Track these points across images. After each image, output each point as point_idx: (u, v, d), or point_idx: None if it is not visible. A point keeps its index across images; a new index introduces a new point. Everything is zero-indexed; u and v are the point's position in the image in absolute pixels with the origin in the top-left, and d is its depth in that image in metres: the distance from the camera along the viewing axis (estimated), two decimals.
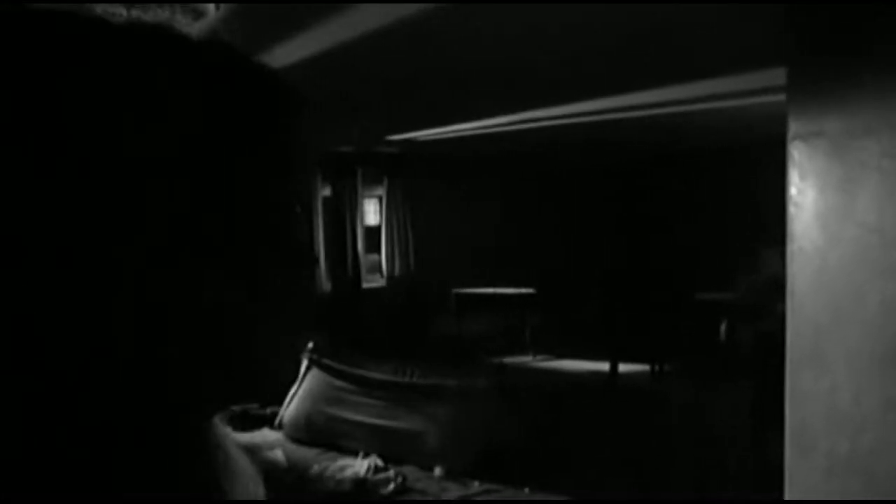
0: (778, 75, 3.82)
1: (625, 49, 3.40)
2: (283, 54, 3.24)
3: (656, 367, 5.51)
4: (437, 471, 3.47)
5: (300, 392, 4.38)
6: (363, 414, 4.00)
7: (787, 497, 2.52)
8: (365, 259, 8.21)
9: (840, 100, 2.30)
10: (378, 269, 8.37)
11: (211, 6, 2.58)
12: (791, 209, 2.56)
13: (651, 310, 6.05)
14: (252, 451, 4.18)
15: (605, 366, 5.52)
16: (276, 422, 4.46)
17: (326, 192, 7.93)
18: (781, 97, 4.78)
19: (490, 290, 7.47)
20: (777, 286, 5.58)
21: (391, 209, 8.19)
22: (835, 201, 2.32)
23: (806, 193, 2.49)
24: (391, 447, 3.78)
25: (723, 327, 5.43)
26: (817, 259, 2.42)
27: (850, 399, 2.33)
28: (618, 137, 6.84)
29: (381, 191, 8.28)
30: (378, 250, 8.35)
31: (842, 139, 2.28)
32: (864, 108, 2.37)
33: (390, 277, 8.22)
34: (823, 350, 2.40)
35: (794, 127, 2.51)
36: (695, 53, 3.41)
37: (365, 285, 8.12)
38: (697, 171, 7.80)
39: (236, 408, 5.00)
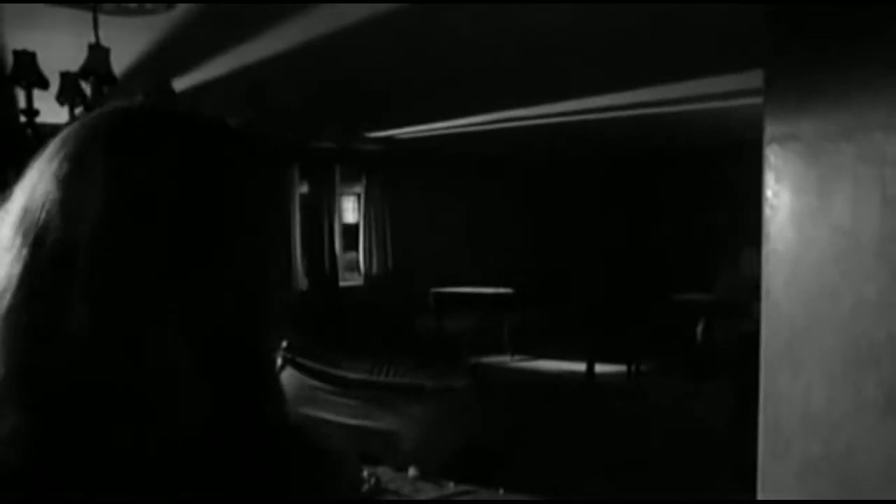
0: (757, 77, 3.86)
1: (603, 50, 3.40)
2: (259, 47, 3.18)
3: (633, 367, 5.54)
4: (412, 471, 3.43)
5: None
6: (339, 414, 3.95)
7: (759, 497, 2.53)
8: (342, 257, 8.14)
9: (816, 103, 2.32)
10: (356, 268, 8.31)
11: None
12: (766, 211, 2.57)
13: (628, 310, 6.09)
14: None
15: (582, 366, 5.54)
16: None
17: (304, 189, 7.84)
18: (759, 100, 4.82)
19: (468, 290, 7.45)
20: (754, 287, 5.64)
21: (369, 207, 8.13)
22: (809, 204, 2.34)
23: (781, 196, 2.50)
24: (366, 448, 3.73)
25: (699, 327, 5.47)
26: (792, 261, 2.43)
27: (824, 400, 2.35)
28: (597, 138, 6.86)
29: (359, 188, 8.21)
30: (356, 248, 8.28)
31: (817, 142, 2.30)
32: (840, 112, 2.38)
33: (368, 276, 8.15)
34: (798, 351, 2.41)
35: (770, 129, 2.52)
36: (673, 55, 3.42)
37: (342, 283, 8.05)
38: (677, 171, 7.87)
39: None
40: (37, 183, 0.53)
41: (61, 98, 2.07)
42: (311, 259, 7.82)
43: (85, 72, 1.90)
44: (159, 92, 2.20)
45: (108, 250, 0.50)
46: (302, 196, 7.85)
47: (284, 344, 4.51)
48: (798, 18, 2.43)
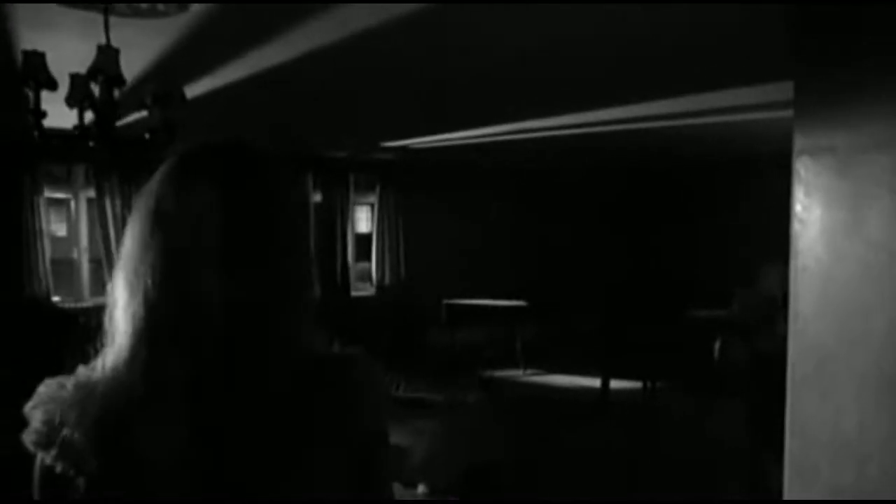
0: (776, 90, 3.76)
1: (623, 60, 3.32)
2: (273, 52, 3.14)
3: (648, 384, 5.40)
4: (421, 488, 3.34)
5: None
6: None
7: None
8: (355, 267, 8.08)
9: (848, 114, 2.22)
10: (368, 278, 8.25)
11: None
12: (795, 226, 2.47)
13: (643, 326, 5.96)
14: None
15: (595, 382, 5.41)
16: None
17: (317, 197, 7.82)
18: (776, 113, 4.73)
19: (482, 302, 7.36)
20: (773, 304, 5.51)
21: (383, 217, 8.08)
22: (842, 219, 2.24)
23: (811, 210, 2.40)
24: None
25: (717, 344, 5.34)
26: (822, 278, 2.33)
27: (856, 426, 2.23)
28: (613, 150, 6.78)
29: (372, 198, 8.17)
30: (368, 258, 8.23)
31: (850, 155, 2.20)
32: (874, 123, 2.28)
33: (380, 286, 8.09)
34: (828, 373, 2.30)
35: (800, 142, 2.43)
36: (690, 67, 3.34)
37: (354, 293, 7.99)
38: (694, 184, 7.75)
39: None
40: (162, 198, 0.79)
41: (70, 100, 2.03)
42: (322, 268, 7.77)
43: (93, 72, 1.86)
44: (169, 96, 2.16)
45: (228, 241, 0.76)
46: (315, 205, 7.82)
47: None
48: (827, 26, 2.34)
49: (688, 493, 3.73)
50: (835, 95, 2.26)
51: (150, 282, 0.75)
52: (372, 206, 8.25)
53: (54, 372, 0.80)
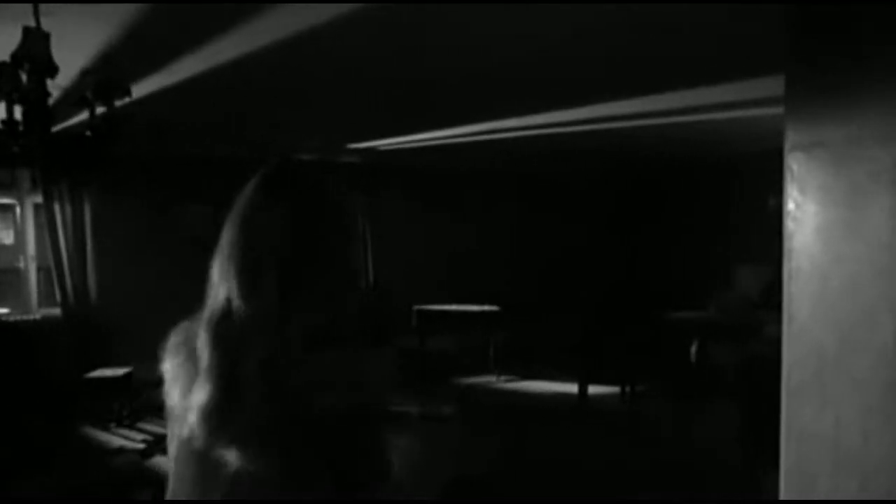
0: (756, 87, 3.69)
1: (598, 59, 3.19)
2: (229, 46, 2.93)
3: (626, 388, 5.30)
4: None
5: None
6: None
7: None
8: None
9: (844, 107, 2.11)
10: None
11: None
12: (789, 225, 2.35)
13: (621, 328, 5.87)
14: None
15: (571, 387, 5.28)
16: None
17: None
18: (755, 111, 4.66)
19: (453, 307, 7.18)
20: (748, 304, 5.46)
21: None
22: (840, 217, 2.12)
23: (805, 208, 2.28)
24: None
25: (693, 346, 5.27)
26: (819, 280, 2.21)
27: (858, 436, 2.12)
28: (587, 151, 6.69)
29: None
30: None
31: (847, 150, 2.09)
32: (873, 117, 2.17)
33: None
34: (827, 381, 2.18)
35: (792, 137, 2.31)
36: (673, 64, 3.23)
37: None
38: (671, 185, 7.71)
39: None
40: (245, 206, 1.04)
41: None
42: None
43: (18, 58, 1.63)
44: (113, 88, 1.93)
45: (295, 244, 1.01)
46: None
47: None
48: (821, 16, 2.23)
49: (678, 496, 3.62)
50: (832, 89, 2.15)
51: (233, 270, 1.01)
52: None
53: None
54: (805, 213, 2.27)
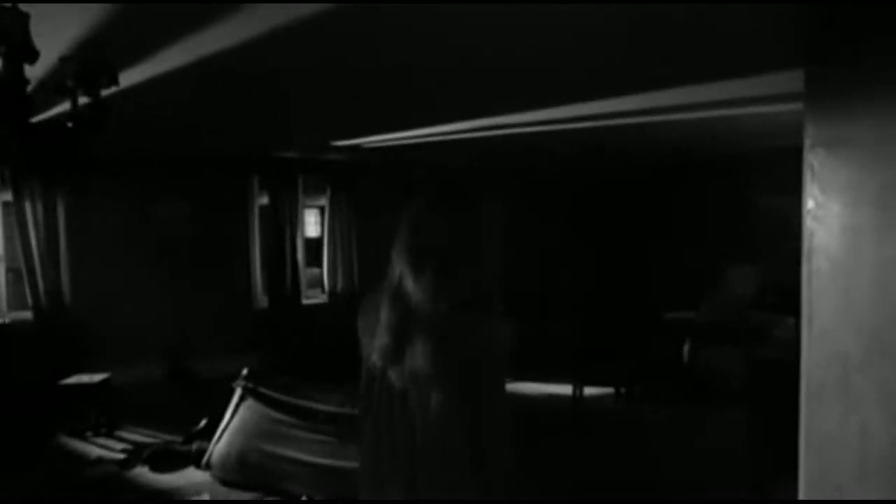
0: (758, 84, 3.63)
1: (584, 54, 3.09)
2: (213, 38, 2.76)
3: (621, 390, 5.23)
4: None
5: (232, 425, 3.83)
6: (307, 451, 3.51)
7: None
8: (305, 273, 7.67)
9: (876, 103, 2.03)
10: (319, 284, 7.84)
11: None
12: (808, 224, 2.27)
13: (614, 329, 5.82)
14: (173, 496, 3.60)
15: (566, 389, 5.20)
16: (203, 461, 3.89)
17: (264, 200, 7.37)
18: (748, 110, 4.57)
19: None
20: (741, 305, 5.39)
21: (334, 220, 7.70)
22: (868, 217, 2.04)
23: (828, 208, 2.20)
24: (341, 490, 3.31)
25: (686, 347, 5.22)
26: (843, 282, 2.13)
27: (886, 443, 2.04)
28: (579, 150, 6.62)
29: (322, 201, 7.78)
30: (318, 264, 7.82)
31: (878, 147, 2.01)
32: None
33: (332, 293, 7.70)
34: (852, 386, 2.10)
35: (813, 133, 2.23)
36: (684, 56, 3.15)
37: (305, 301, 7.57)
38: (662, 184, 7.66)
39: (157, 444, 4.40)
40: (412, 221, 1.46)
41: None
42: (271, 275, 7.33)
43: None
44: (98, 75, 1.78)
45: (445, 247, 1.41)
46: (262, 208, 7.37)
47: (245, 372, 4.04)
48: (848, 9, 2.15)
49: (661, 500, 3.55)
50: (860, 86, 2.06)
51: (404, 257, 1.42)
52: (321, 209, 7.84)
53: None
54: (828, 212, 2.18)
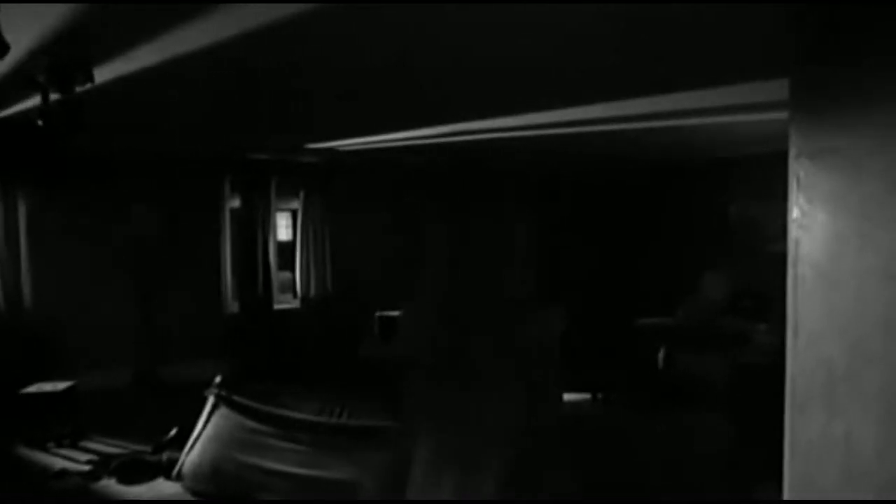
0: (724, 94, 3.68)
1: (562, 63, 3.10)
2: (188, 37, 2.68)
3: (597, 395, 5.25)
4: None
5: (205, 435, 3.72)
6: (283, 461, 3.43)
7: None
8: (276, 277, 7.53)
9: (856, 112, 2.06)
10: (291, 289, 7.72)
11: None
12: (794, 233, 2.29)
13: (590, 335, 5.83)
14: None
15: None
16: (174, 471, 3.77)
17: (235, 202, 7.23)
18: (727, 118, 4.64)
19: None
20: (715, 310, 5.47)
21: (307, 224, 7.58)
22: (852, 226, 2.07)
23: (814, 216, 2.22)
24: (317, 501, 3.24)
25: (661, 353, 5.26)
26: (828, 290, 2.15)
27: (872, 451, 2.06)
28: (555, 153, 6.65)
29: (294, 204, 7.66)
30: (289, 268, 7.70)
31: (859, 157, 2.04)
32: (887, 125, 2.11)
33: (305, 298, 7.58)
34: (837, 393, 2.13)
35: (797, 143, 2.26)
36: (671, 64, 3.17)
37: (276, 306, 7.44)
38: (642, 190, 7.71)
39: (125, 454, 4.25)
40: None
41: None
42: (241, 280, 7.18)
43: None
44: (71, 70, 1.69)
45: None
46: (233, 211, 7.23)
47: (217, 379, 3.93)
48: (831, 23, 2.17)
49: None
50: (845, 95, 2.09)
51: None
52: (294, 212, 7.72)
53: None
54: (813, 221, 2.20)
